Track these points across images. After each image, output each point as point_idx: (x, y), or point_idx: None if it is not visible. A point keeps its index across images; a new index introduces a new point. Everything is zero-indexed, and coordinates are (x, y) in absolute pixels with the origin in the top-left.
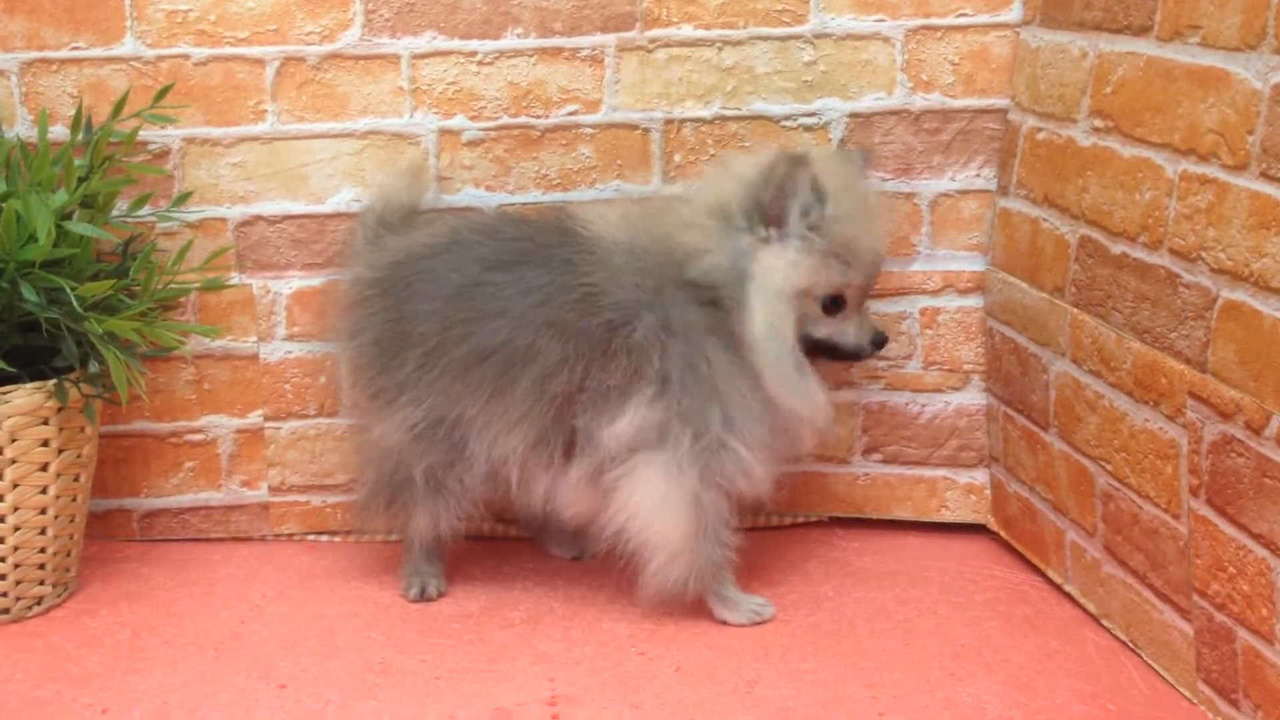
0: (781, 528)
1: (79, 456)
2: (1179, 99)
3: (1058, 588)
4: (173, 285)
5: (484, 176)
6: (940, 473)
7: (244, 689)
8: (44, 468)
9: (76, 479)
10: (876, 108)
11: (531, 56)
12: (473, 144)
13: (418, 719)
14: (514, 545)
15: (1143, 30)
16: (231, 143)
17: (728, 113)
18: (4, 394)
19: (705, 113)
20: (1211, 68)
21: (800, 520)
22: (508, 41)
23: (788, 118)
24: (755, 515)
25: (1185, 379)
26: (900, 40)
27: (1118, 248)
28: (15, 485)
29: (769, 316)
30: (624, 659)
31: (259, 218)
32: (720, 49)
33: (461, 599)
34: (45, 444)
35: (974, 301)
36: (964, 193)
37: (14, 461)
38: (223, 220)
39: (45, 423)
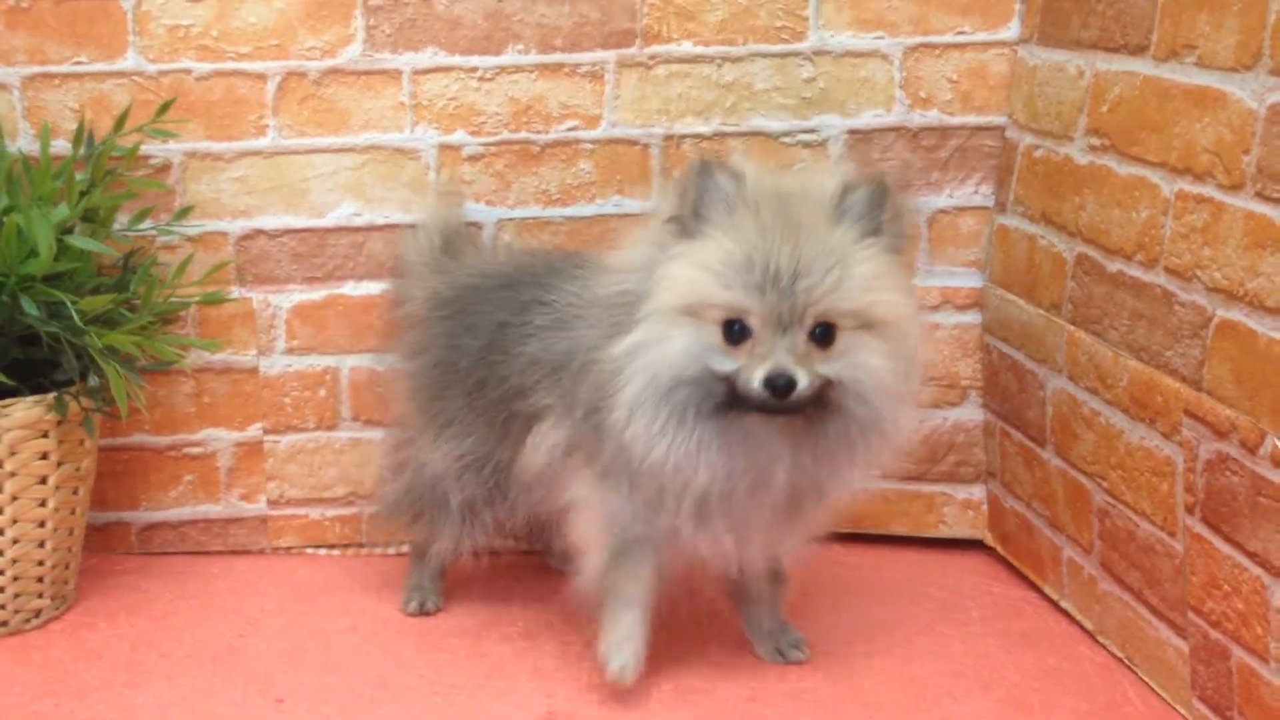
0: None
1: (78, 469)
2: (1175, 118)
3: (1054, 604)
4: (173, 299)
5: (484, 191)
6: (938, 488)
7: (242, 703)
8: (43, 480)
9: (75, 492)
10: (875, 124)
11: (532, 72)
12: (473, 159)
13: None
14: (512, 560)
15: (1139, 49)
16: (233, 157)
17: (727, 129)
18: (4, 407)
19: (705, 129)
20: (1208, 88)
21: None
22: (508, 57)
23: (786, 134)
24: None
25: (1181, 397)
26: (899, 58)
27: (1114, 265)
28: (14, 498)
29: (641, 333)
30: None
31: (259, 232)
32: (720, 65)
33: (460, 614)
34: (44, 457)
35: (971, 318)
36: (962, 209)
37: (13, 474)
38: (223, 234)
39: (45, 436)
